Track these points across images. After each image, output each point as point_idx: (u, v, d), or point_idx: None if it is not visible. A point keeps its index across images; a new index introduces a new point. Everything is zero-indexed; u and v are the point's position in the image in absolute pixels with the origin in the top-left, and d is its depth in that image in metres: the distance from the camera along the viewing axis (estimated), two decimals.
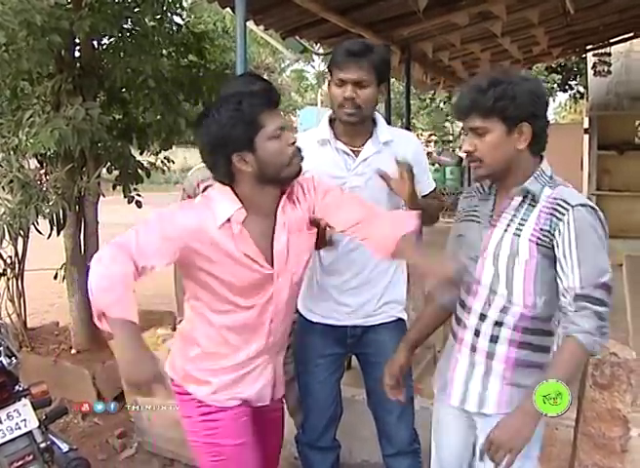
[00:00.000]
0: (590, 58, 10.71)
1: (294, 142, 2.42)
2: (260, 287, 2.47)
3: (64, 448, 3.29)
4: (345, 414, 3.19)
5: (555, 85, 19.53)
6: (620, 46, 10.35)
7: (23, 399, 3.20)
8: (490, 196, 2.47)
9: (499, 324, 2.38)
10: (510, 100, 2.22)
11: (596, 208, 2.24)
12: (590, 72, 10.39)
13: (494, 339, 2.40)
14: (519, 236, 2.31)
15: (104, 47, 5.34)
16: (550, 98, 23.49)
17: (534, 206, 2.31)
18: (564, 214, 2.21)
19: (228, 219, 2.38)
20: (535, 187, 2.31)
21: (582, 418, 2.84)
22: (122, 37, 5.20)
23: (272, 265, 2.47)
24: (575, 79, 18.24)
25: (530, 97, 2.24)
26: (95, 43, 5.26)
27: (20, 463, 3.10)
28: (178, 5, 5.53)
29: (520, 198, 2.35)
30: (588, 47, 10.45)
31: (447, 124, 23.49)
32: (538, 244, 2.27)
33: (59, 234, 5.31)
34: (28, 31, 4.32)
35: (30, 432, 3.19)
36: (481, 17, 7.02)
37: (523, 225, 2.31)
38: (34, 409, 3.24)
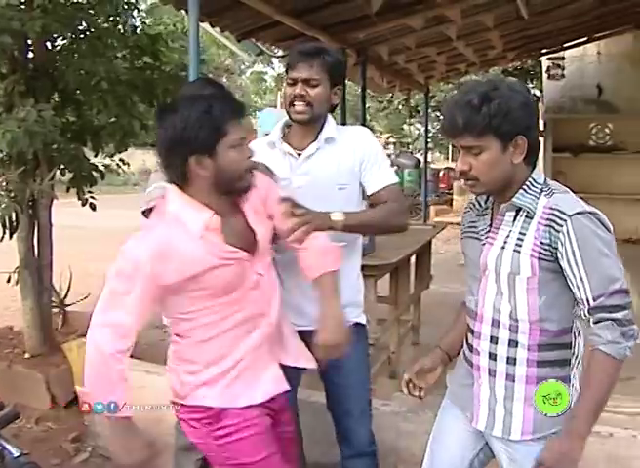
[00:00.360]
0: (545, 62, 10.88)
1: (249, 157, 2.42)
2: (242, 278, 2.44)
3: (15, 452, 3.25)
4: (301, 416, 3.16)
5: None
6: (575, 50, 10.55)
7: None
8: (487, 210, 2.41)
9: (513, 343, 2.29)
10: (505, 117, 2.15)
11: (596, 212, 2.17)
12: (545, 76, 10.54)
13: (511, 361, 2.31)
14: (519, 252, 2.23)
15: (58, 48, 5.29)
16: None
17: (531, 218, 2.22)
18: (562, 226, 2.13)
19: (206, 228, 2.36)
20: (525, 200, 2.24)
21: None
22: (75, 39, 5.16)
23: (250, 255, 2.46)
24: (530, 82, 18.44)
25: (523, 110, 2.18)
26: (48, 44, 5.20)
27: None
28: (132, 7, 5.51)
29: (513, 212, 2.29)
30: (543, 51, 10.62)
31: (405, 126, 23.64)
32: (539, 258, 2.19)
33: (11, 237, 5.24)
34: None
35: None
36: (436, 20, 7.10)
37: (522, 240, 2.23)
38: None
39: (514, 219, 2.28)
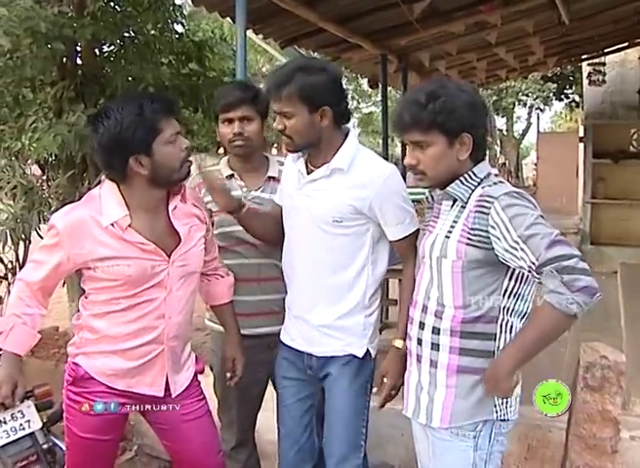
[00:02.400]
0: (585, 68, 10.81)
1: (186, 147, 2.52)
2: (152, 275, 2.56)
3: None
4: None
5: (551, 94, 19.63)
6: (616, 55, 10.44)
7: (27, 400, 3.23)
8: (434, 203, 2.51)
9: (436, 330, 2.36)
10: (450, 114, 2.25)
11: (521, 192, 2.26)
12: (585, 81, 10.47)
13: (435, 347, 2.37)
14: (449, 238, 2.32)
15: (106, 55, 5.40)
16: (546, 107, 23.61)
17: (464, 207, 2.32)
18: (489, 208, 2.21)
19: (113, 224, 2.49)
20: (458, 190, 2.34)
21: (574, 420, 2.88)
22: (124, 45, 5.27)
23: (165, 255, 2.57)
24: (570, 88, 18.32)
25: (468, 109, 2.28)
26: (96, 51, 5.32)
27: (23, 463, 3.13)
28: (178, 14, 5.61)
29: (450, 202, 2.39)
30: (584, 56, 10.53)
31: None
32: (467, 244, 2.26)
33: None
34: (32, 39, 4.38)
35: (33, 433, 3.23)
36: (477, 26, 7.10)
37: (454, 227, 2.32)
38: (38, 410, 3.28)
39: (451, 208, 2.39)
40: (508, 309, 2.30)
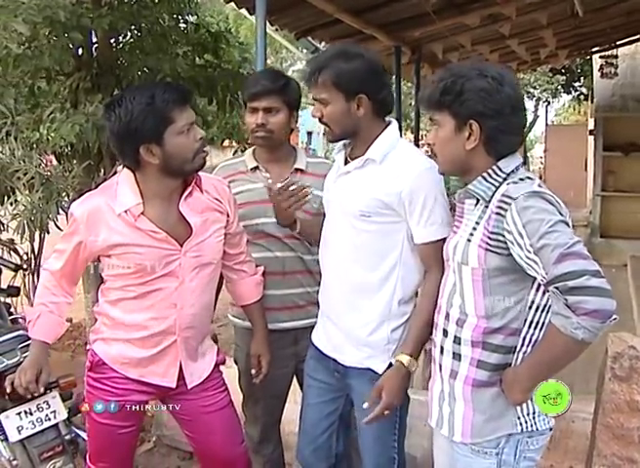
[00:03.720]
0: (597, 60, 10.79)
1: (201, 138, 2.52)
2: (164, 264, 2.57)
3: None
4: None
5: (559, 86, 19.60)
6: (626, 48, 10.42)
7: (52, 390, 3.24)
8: (457, 202, 2.36)
9: (457, 340, 2.23)
10: (456, 96, 2.13)
11: (541, 191, 2.05)
12: (597, 74, 10.46)
13: (456, 357, 2.24)
14: (470, 241, 2.16)
15: (121, 45, 5.39)
16: (554, 100, 23.56)
17: (487, 207, 2.14)
18: (506, 210, 2.03)
19: (126, 211, 2.51)
20: (480, 188, 2.16)
21: (601, 410, 2.88)
22: (140, 36, 5.26)
23: (177, 244, 2.58)
24: (578, 80, 18.28)
25: (478, 95, 2.11)
26: (112, 41, 5.30)
27: (49, 454, 3.14)
28: (193, 4, 5.59)
29: (473, 201, 2.23)
30: (594, 49, 10.52)
31: None
32: (487, 250, 2.09)
33: None
34: (51, 28, 4.37)
35: (57, 424, 3.24)
36: (491, 18, 7.09)
37: (475, 229, 2.16)
38: (62, 400, 3.29)
39: (474, 208, 2.23)
40: (535, 323, 2.15)
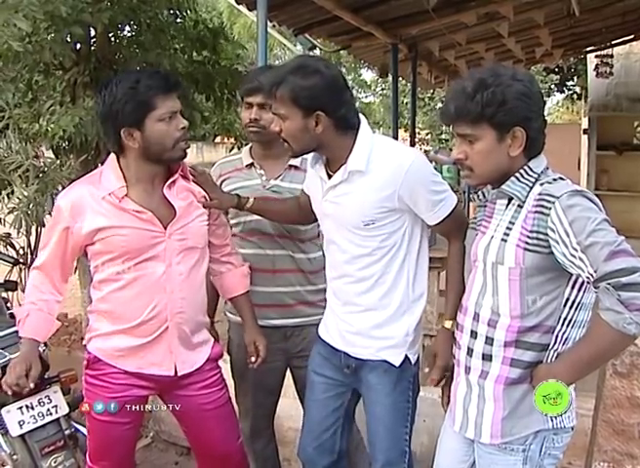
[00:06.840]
0: (592, 60, 10.79)
1: (184, 127, 2.56)
2: (149, 246, 2.61)
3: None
4: None
5: (553, 85, 19.64)
6: (620, 48, 10.43)
7: (54, 385, 3.24)
8: (487, 202, 2.35)
9: (490, 341, 2.23)
10: (499, 106, 2.09)
11: (585, 191, 2.08)
12: (592, 73, 10.46)
13: (487, 358, 2.25)
14: (506, 241, 2.16)
15: (120, 40, 5.37)
16: (548, 99, 23.61)
17: (522, 207, 2.16)
18: (550, 209, 2.04)
19: (110, 193, 2.55)
20: (515, 188, 2.17)
21: (602, 405, 2.90)
22: (139, 31, 5.24)
23: (161, 226, 2.62)
24: (572, 80, 18.32)
25: (521, 100, 2.10)
26: (111, 36, 5.29)
27: (51, 448, 3.14)
28: (191, 0, 5.57)
29: (505, 201, 2.24)
30: (588, 49, 10.54)
31: None
32: (526, 249, 2.10)
33: None
34: (51, 22, 4.36)
35: (58, 419, 3.23)
36: (488, 17, 7.09)
37: (511, 229, 2.17)
38: (64, 395, 3.28)
39: (506, 208, 2.23)
40: (569, 320, 2.17)
